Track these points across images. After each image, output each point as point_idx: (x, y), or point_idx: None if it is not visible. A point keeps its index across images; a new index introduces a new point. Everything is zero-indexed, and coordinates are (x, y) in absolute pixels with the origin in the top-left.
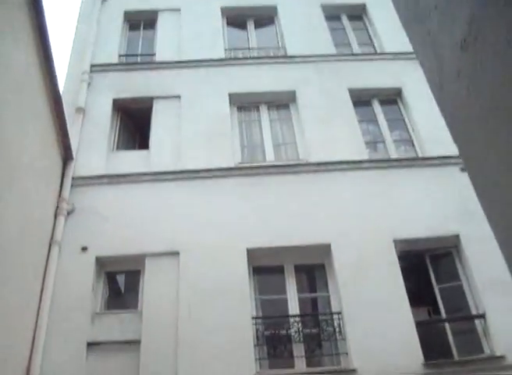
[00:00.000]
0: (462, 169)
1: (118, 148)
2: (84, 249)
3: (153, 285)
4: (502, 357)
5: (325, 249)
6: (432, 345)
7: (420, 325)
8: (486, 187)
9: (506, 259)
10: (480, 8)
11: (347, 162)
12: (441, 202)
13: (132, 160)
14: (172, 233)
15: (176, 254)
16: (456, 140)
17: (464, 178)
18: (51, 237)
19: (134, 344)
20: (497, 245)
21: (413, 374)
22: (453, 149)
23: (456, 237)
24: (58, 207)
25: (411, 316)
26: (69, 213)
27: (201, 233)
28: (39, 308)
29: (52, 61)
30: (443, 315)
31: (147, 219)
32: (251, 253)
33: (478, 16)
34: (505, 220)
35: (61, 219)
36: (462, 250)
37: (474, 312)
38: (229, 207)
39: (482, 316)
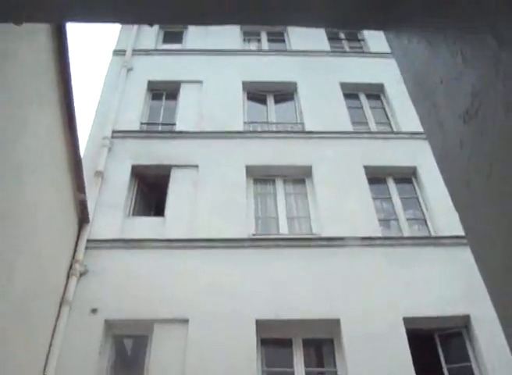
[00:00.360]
0: None
1: (134, 213)
2: (94, 311)
3: (160, 351)
4: None
5: (335, 324)
6: None
7: None
8: (486, 256)
9: (507, 337)
10: (481, 84)
11: (360, 239)
12: (452, 282)
13: (147, 226)
14: (182, 300)
15: (185, 321)
16: (458, 209)
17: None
18: (63, 297)
19: None
20: None
21: None
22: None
23: (467, 317)
24: (71, 268)
25: None
26: (81, 274)
27: (211, 302)
28: (45, 367)
29: (75, 125)
30: None
31: (159, 285)
32: (260, 324)
33: (479, 91)
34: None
35: (73, 280)
36: (472, 330)
37: None
38: (241, 277)
39: None
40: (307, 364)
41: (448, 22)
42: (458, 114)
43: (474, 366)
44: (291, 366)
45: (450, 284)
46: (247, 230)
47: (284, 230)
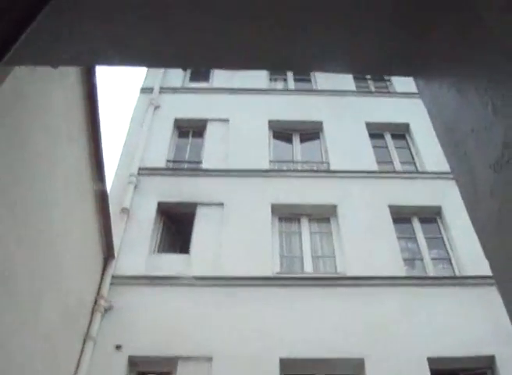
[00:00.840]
0: None
1: (159, 250)
2: (118, 347)
3: None
4: None
5: (359, 363)
6: None
7: None
8: None
9: None
10: None
11: (385, 278)
12: (477, 322)
13: (172, 263)
14: (206, 338)
15: (208, 359)
16: (487, 256)
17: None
18: (87, 333)
19: None
20: None
21: None
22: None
23: (492, 358)
24: (96, 303)
25: None
26: (106, 310)
27: (236, 341)
28: None
29: (102, 162)
30: None
31: (183, 322)
32: (284, 363)
33: (510, 141)
34: None
35: (98, 316)
36: (497, 371)
37: None
38: (265, 316)
39: None
40: None
41: (478, 71)
42: (489, 163)
43: None
44: None
45: (475, 324)
46: (271, 268)
47: (309, 268)
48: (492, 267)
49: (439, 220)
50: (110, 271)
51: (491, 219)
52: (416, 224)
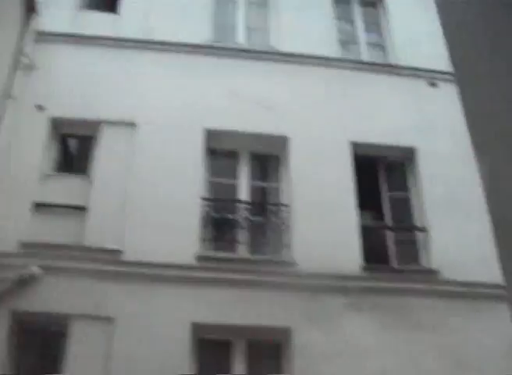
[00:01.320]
0: (431, 84)
1: (86, 6)
2: (40, 108)
3: (106, 153)
4: (437, 271)
5: (283, 141)
6: (373, 250)
7: (364, 229)
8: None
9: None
10: None
11: (318, 58)
12: (404, 113)
13: (99, 22)
14: (131, 103)
15: (133, 125)
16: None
17: (431, 93)
18: (7, 92)
19: (81, 209)
20: (451, 164)
21: (350, 274)
22: (424, 62)
23: (413, 149)
24: (17, 61)
25: (357, 218)
26: (28, 69)
27: (161, 108)
28: None
29: None
30: (387, 222)
31: (108, 86)
32: (209, 134)
33: None
34: None
35: (19, 74)
36: (416, 163)
37: (417, 224)
38: (192, 85)
39: (425, 230)
40: (251, 178)
41: None
42: None
43: (413, 197)
44: (236, 177)
45: (402, 115)
46: (203, 36)
47: (241, 39)
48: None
49: (379, 5)
50: (32, 27)
51: None
52: (356, 7)
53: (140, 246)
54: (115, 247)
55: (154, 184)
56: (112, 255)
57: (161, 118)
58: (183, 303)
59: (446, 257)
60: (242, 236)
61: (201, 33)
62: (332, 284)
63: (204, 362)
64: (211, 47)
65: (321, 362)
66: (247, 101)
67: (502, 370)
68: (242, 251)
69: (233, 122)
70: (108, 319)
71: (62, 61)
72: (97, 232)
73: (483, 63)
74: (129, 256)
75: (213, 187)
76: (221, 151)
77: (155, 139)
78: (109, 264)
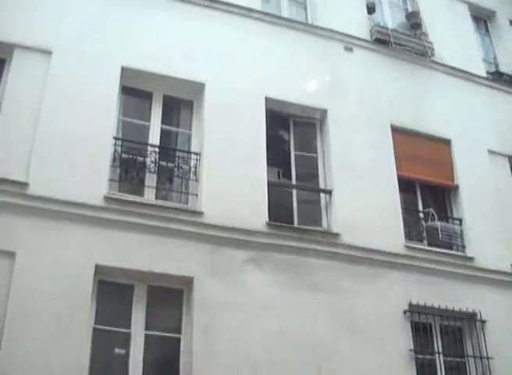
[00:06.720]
0: (346, 49)
1: None
2: None
3: (18, 80)
4: (337, 234)
5: (199, 88)
6: (278, 207)
7: (271, 185)
8: None
9: None
10: None
11: (239, 7)
12: (318, 74)
13: None
14: (47, 30)
15: (48, 53)
16: None
17: (347, 58)
18: None
19: None
20: (358, 128)
21: (254, 230)
22: (343, 26)
23: (324, 111)
24: None
25: (265, 174)
26: None
27: (79, 39)
28: None
29: None
30: (293, 181)
31: (24, 8)
32: (124, 72)
33: None
34: None
35: None
36: (327, 125)
37: (322, 186)
38: (116, 22)
39: (329, 192)
40: (164, 122)
41: None
42: None
43: (319, 158)
44: (148, 120)
45: (317, 77)
46: None
47: None
48: None
49: None
50: None
51: None
52: None
53: (47, 181)
54: (20, 179)
55: (65, 118)
56: (17, 187)
57: (79, 49)
58: (87, 243)
59: (347, 221)
60: (150, 180)
61: None
62: (236, 238)
63: (105, 304)
64: None
65: (220, 314)
66: (167, 44)
67: (386, 334)
68: (149, 195)
69: (151, 62)
70: (9, 254)
71: None
72: (1, 162)
73: None
74: (35, 190)
75: (126, 126)
76: (136, 91)
77: (70, 71)
78: (13, 196)
